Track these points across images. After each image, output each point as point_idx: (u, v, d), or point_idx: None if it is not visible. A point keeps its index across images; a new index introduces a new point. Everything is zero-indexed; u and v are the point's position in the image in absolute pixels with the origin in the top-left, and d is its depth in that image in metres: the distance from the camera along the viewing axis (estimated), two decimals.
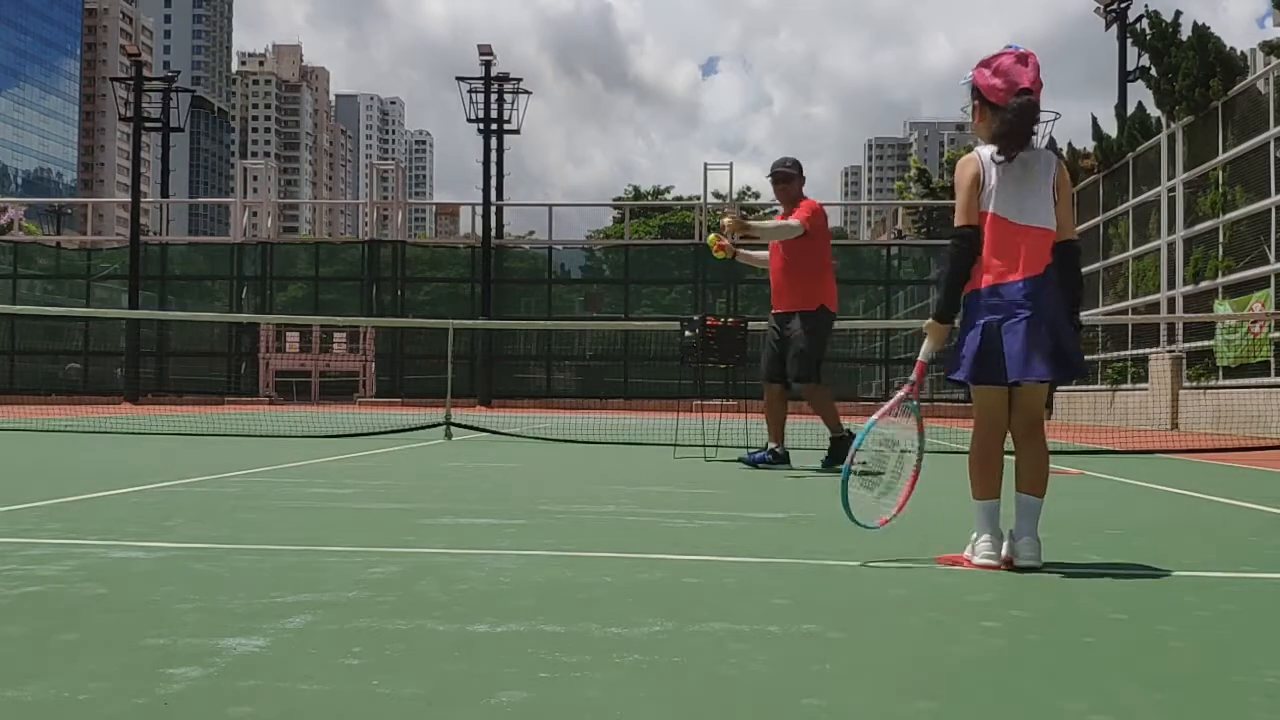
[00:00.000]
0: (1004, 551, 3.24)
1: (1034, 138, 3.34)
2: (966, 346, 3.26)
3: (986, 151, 3.31)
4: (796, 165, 7.33)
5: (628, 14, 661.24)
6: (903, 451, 3.45)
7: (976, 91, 3.34)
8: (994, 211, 3.26)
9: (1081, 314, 3.45)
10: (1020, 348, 3.15)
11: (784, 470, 6.93)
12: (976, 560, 3.24)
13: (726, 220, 7.11)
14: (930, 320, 3.39)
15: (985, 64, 3.33)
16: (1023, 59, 3.28)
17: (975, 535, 3.29)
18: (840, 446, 6.85)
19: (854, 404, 28.47)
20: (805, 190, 7.32)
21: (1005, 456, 3.37)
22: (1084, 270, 19.09)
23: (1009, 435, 3.39)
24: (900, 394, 3.50)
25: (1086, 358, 22.60)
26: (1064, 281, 3.30)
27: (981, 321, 3.22)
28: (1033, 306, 3.18)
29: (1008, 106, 3.23)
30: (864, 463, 3.44)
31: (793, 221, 6.95)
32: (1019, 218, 3.25)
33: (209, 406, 26.91)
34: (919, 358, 3.48)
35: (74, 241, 39.19)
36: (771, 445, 7.16)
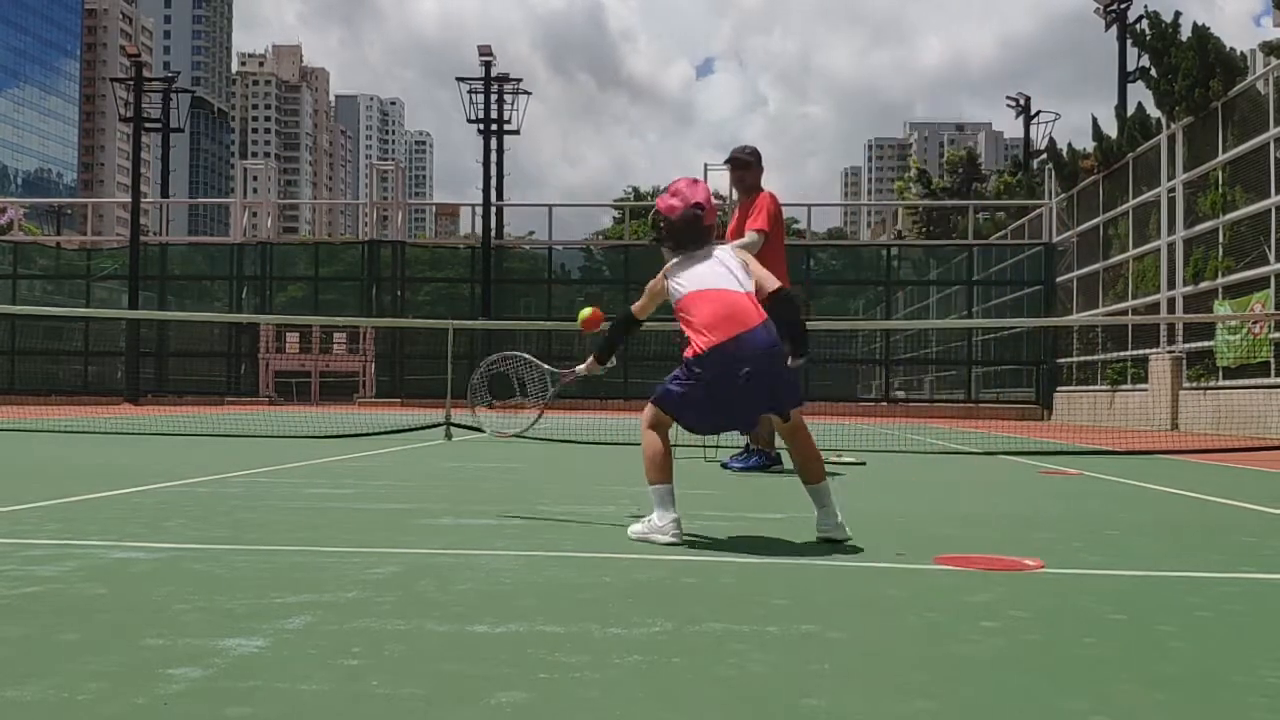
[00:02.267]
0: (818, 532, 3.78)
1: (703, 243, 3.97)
2: (683, 391, 3.73)
3: (670, 266, 3.94)
4: (755, 154, 7.20)
5: (620, 12, 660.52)
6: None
7: (660, 216, 4.00)
8: (695, 288, 3.79)
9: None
10: (712, 409, 3.72)
11: (783, 471, 6.91)
12: (666, 539, 3.59)
13: None
14: (590, 359, 4.34)
15: (664, 192, 4.01)
16: (694, 182, 4.01)
17: (659, 519, 3.64)
18: (760, 460, 6.95)
19: (853, 404, 28.52)
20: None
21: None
22: (1085, 271, 19.20)
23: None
24: (559, 376, 4.68)
25: (1088, 358, 22.51)
26: (783, 324, 3.84)
27: (691, 381, 3.70)
28: (734, 367, 3.61)
29: (681, 215, 3.92)
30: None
31: (751, 235, 6.88)
32: (714, 283, 3.78)
33: (209, 407, 26.91)
34: (580, 369, 4.43)
35: (74, 242, 39.15)
36: (756, 447, 7.11)
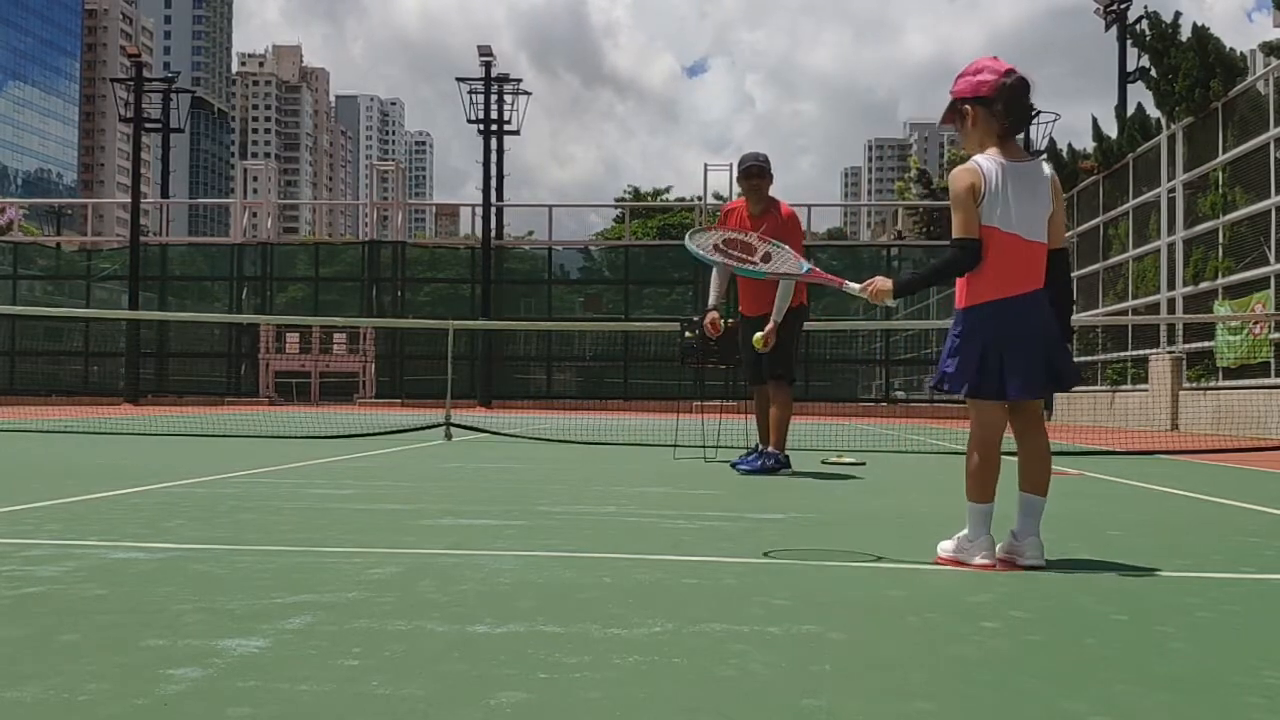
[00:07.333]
0: (1000, 551, 3.29)
1: (1028, 153, 3.36)
2: (965, 361, 3.25)
3: (985, 161, 3.26)
4: (769, 162, 7.03)
5: (602, 6, 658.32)
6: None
7: (962, 101, 3.33)
8: (998, 226, 3.22)
9: (1074, 317, 3.50)
10: (1019, 367, 3.19)
11: (784, 472, 6.91)
12: (976, 561, 3.25)
13: (765, 343, 6.85)
14: (890, 283, 3.40)
15: (963, 75, 3.35)
16: (995, 60, 3.33)
17: (970, 536, 3.28)
18: (771, 463, 6.85)
19: (853, 404, 28.51)
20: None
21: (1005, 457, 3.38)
22: (1084, 271, 19.13)
23: (1009, 435, 3.42)
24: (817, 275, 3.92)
25: (1087, 359, 22.42)
26: (1054, 289, 3.31)
27: (982, 340, 3.23)
28: (1031, 324, 3.23)
29: (1002, 86, 3.24)
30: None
31: (798, 267, 6.79)
32: (1021, 231, 3.23)
33: (209, 407, 26.90)
34: (849, 284, 3.58)
35: (74, 242, 39.19)
36: (767, 448, 7.07)
